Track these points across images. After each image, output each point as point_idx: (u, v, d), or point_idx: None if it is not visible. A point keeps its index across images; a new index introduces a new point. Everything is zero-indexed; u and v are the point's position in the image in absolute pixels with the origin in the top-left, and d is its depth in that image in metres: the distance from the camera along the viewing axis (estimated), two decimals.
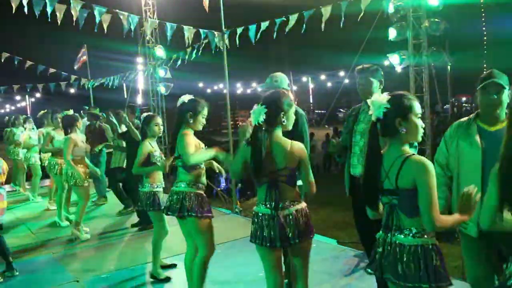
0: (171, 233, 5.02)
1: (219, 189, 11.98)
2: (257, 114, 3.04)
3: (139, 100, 18.93)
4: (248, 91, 30.50)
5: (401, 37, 8.02)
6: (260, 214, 3.08)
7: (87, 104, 15.06)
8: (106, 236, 6.88)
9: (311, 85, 38.16)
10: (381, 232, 2.52)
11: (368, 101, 2.51)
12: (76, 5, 7.12)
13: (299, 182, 3.15)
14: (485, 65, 21.31)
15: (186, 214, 3.79)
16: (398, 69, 8.53)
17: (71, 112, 7.25)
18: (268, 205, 3.04)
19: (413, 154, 2.39)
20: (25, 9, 6.79)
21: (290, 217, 3.00)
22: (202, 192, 3.94)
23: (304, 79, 34.73)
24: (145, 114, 5.15)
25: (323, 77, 26.68)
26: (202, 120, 3.97)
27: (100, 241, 6.66)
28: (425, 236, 2.35)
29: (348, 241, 6.18)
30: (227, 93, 8.67)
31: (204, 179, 4.00)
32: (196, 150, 3.84)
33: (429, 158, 8.27)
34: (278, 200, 3.01)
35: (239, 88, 30.28)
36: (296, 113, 4.21)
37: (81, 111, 11.58)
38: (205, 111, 3.98)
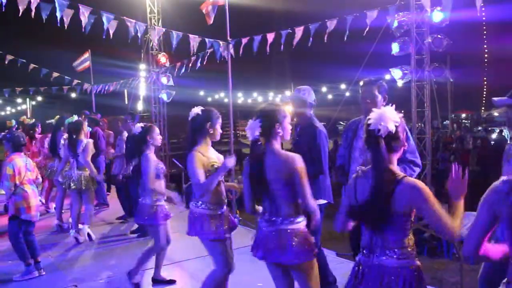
0: (172, 240, 5.00)
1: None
2: (253, 129, 3.02)
3: (140, 106, 18.94)
4: (249, 101, 30.55)
5: (404, 52, 8.11)
6: (260, 226, 3.06)
7: (89, 109, 15.09)
8: (105, 242, 6.87)
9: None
10: (361, 255, 2.46)
11: (373, 114, 2.41)
12: (84, 11, 7.18)
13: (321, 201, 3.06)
14: (485, 82, 21.39)
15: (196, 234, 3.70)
16: (400, 83, 8.59)
17: (75, 118, 7.27)
18: (264, 219, 3.02)
19: (405, 176, 2.35)
20: (32, 13, 6.84)
21: (282, 234, 2.93)
22: (214, 212, 3.72)
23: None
24: (140, 125, 5.02)
25: (324, 89, 26.73)
26: (219, 129, 3.84)
27: (99, 246, 6.65)
28: (409, 258, 2.34)
29: (346, 253, 6.18)
30: (230, 102, 8.69)
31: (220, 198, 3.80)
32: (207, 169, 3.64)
33: (429, 173, 8.28)
34: (273, 215, 2.98)
35: (240, 98, 30.34)
36: (313, 127, 4.22)
37: (82, 116, 11.57)
38: (220, 120, 3.87)
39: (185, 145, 4.04)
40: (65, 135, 7.08)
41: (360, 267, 2.44)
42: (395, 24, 7.99)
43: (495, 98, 2.89)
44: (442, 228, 2.25)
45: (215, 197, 3.69)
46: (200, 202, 3.67)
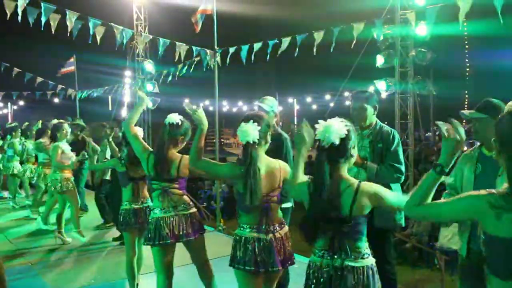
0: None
1: (202, 205, 11.92)
2: (250, 131, 2.92)
3: (124, 113, 18.85)
4: (234, 109, 30.61)
5: (389, 64, 8.24)
6: (249, 238, 2.95)
7: (72, 115, 14.96)
8: (86, 249, 6.78)
9: (296, 107, 38.53)
10: (319, 257, 2.48)
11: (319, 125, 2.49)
12: (71, 16, 7.15)
13: (287, 204, 3.12)
14: (466, 95, 21.79)
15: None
16: (384, 95, 8.70)
17: (55, 121, 7.25)
18: (258, 229, 2.95)
19: (360, 181, 2.44)
20: (19, 18, 6.79)
21: (278, 241, 2.97)
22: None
23: (290, 100, 35.03)
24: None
25: (309, 99, 26.95)
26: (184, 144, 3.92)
27: (80, 253, 6.55)
28: (370, 257, 2.45)
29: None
30: (216, 110, 8.70)
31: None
32: None
33: (411, 184, 8.37)
34: (270, 224, 2.97)
35: (225, 106, 30.37)
36: (281, 136, 4.24)
37: (64, 122, 11.47)
38: (189, 134, 3.90)
39: None
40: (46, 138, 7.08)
41: (322, 271, 2.47)
42: (380, 37, 8.12)
43: (463, 111, 2.94)
44: (398, 200, 2.41)
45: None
46: None
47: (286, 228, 3.07)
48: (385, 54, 8.22)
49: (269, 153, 3.20)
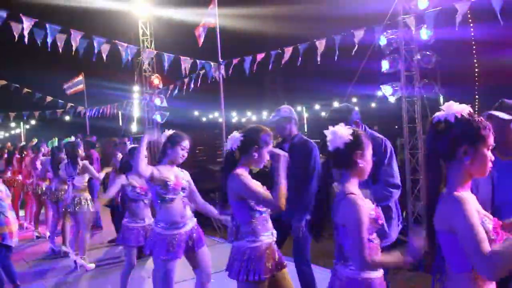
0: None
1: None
2: (232, 141, 3.05)
3: (134, 128, 19.01)
4: (243, 120, 30.69)
5: (394, 69, 8.22)
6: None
7: (83, 132, 15.12)
8: (100, 265, 6.82)
9: (305, 114, 38.54)
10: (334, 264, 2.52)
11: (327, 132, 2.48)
12: (76, 35, 7.27)
13: None
14: (477, 97, 21.63)
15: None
16: (392, 99, 8.67)
17: (72, 138, 7.35)
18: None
19: (349, 193, 2.36)
20: (26, 39, 6.92)
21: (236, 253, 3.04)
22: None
23: (299, 108, 35.06)
24: (133, 146, 5.09)
25: (317, 107, 26.96)
26: (181, 152, 3.94)
27: (94, 270, 6.59)
28: (367, 270, 2.35)
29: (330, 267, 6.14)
30: (223, 122, 8.77)
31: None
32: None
33: (423, 188, 8.27)
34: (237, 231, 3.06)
35: (235, 117, 30.47)
36: (307, 144, 4.27)
37: (76, 139, 11.59)
38: (184, 143, 3.95)
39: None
40: (64, 157, 7.14)
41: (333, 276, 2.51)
42: (384, 42, 8.12)
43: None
44: (353, 252, 2.29)
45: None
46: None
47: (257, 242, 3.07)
48: (390, 59, 8.22)
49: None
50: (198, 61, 9.09)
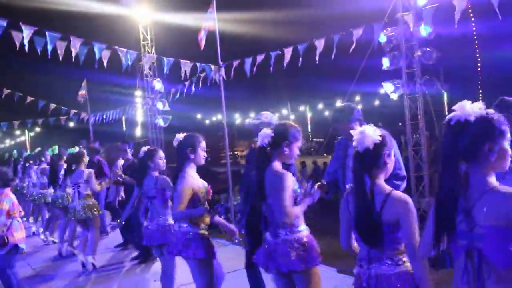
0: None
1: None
2: (263, 137, 3.14)
3: (138, 132, 19.07)
4: (247, 121, 30.76)
5: (395, 66, 8.20)
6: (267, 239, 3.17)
7: (86, 137, 15.18)
8: (106, 270, 6.86)
9: (308, 114, 38.52)
10: (359, 267, 2.51)
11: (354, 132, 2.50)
12: (75, 42, 7.31)
13: None
14: (480, 93, 21.57)
15: (187, 255, 3.77)
16: (394, 97, 8.65)
17: (76, 149, 7.44)
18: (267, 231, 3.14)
19: (392, 190, 2.42)
20: (26, 47, 6.96)
21: (280, 245, 3.05)
22: (205, 232, 3.90)
23: (302, 108, 35.11)
24: (145, 148, 5.12)
25: (320, 105, 27.02)
26: (202, 153, 4.00)
27: (100, 274, 6.63)
28: (407, 263, 2.38)
29: (348, 270, 6.15)
30: (224, 124, 8.79)
31: (207, 219, 3.96)
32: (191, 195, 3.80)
33: (427, 185, 8.25)
34: (270, 226, 3.11)
35: (238, 119, 30.51)
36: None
37: (80, 146, 11.65)
38: (203, 144, 4.01)
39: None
40: (65, 166, 7.24)
41: (361, 280, 2.47)
42: (384, 39, 8.11)
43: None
44: (410, 246, 2.31)
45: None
46: None
47: (295, 235, 3.13)
48: (390, 56, 8.20)
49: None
50: (198, 64, 9.12)
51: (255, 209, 3.30)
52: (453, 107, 2.00)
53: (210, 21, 8.27)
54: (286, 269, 3.03)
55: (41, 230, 9.63)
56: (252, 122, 4.43)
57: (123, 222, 5.93)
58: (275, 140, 3.14)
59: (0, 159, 15.77)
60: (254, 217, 3.63)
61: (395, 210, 2.35)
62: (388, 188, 2.44)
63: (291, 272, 3.06)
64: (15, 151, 13.41)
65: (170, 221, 4.69)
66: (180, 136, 4.00)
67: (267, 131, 3.17)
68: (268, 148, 3.16)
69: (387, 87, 8.36)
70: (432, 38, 7.77)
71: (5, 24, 6.53)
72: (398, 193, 2.40)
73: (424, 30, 7.51)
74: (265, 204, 3.17)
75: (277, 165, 3.16)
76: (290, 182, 3.08)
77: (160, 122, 12.13)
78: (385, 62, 8.20)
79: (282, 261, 3.03)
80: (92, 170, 6.96)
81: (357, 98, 23.00)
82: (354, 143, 2.47)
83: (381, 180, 2.47)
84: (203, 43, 8.64)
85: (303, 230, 3.13)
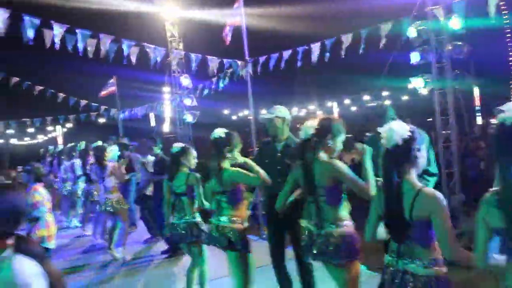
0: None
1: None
2: (308, 128, 3.20)
3: (166, 128, 19.27)
4: (261, 115, 30.70)
5: (424, 60, 8.05)
6: (310, 230, 3.19)
7: (116, 133, 15.42)
8: (136, 262, 6.99)
9: (336, 110, 38.25)
10: (389, 257, 2.51)
11: (382, 129, 2.51)
12: (105, 40, 7.44)
13: None
14: (511, 86, 20.99)
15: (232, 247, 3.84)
16: (424, 92, 8.50)
17: (99, 143, 7.60)
18: (312, 222, 3.15)
19: (423, 186, 2.40)
20: (58, 45, 7.12)
21: (330, 238, 3.06)
22: (243, 226, 3.95)
23: (329, 104, 34.82)
24: (179, 145, 5.12)
25: (347, 101, 26.77)
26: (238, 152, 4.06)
27: (130, 267, 6.76)
28: (436, 267, 2.34)
29: (377, 266, 6.09)
30: (252, 120, 8.80)
31: (245, 213, 4.02)
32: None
33: (458, 181, 8.07)
34: (319, 219, 3.11)
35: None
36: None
37: (109, 141, 11.86)
38: (239, 145, 4.08)
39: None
40: (91, 160, 7.42)
41: (388, 270, 2.49)
42: (413, 33, 7.96)
43: None
44: (444, 245, 2.30)
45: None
46: None
47: (343, 229, 3.14)
48: (420, 50, 8.05)
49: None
50: (225, 60, 9.17)
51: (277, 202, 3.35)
52: (501, 107, 2.02)
53: (236, 17, 8.29)
54: (335, 261, 3.07)
55: (73, 223, 9.90)
56: (265, 116, 4.43)
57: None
58: (319, 133, 3.18)
59: (35, 155, 16.20)
60: (274, 210, 3.68)
61: (425, 207, 2.33)
62: (419, 184, 2.42)
63: (336, 264, 3.09)
64: (50, 147, 13.76)
65: (198, 218, 4.75)
66: (221, 132, 4.04)
67: (311, 123, 3.20)
68: (312, 140, 3.20)
69: (417, 82, 8.21)
70: (462, 32, 7.60)
71: (38, 23, 6.70)
72: (429, 190, 2.38)
73: (455, 24, 7.35)
74: (314, 196, 3.17)
75: (324, 156, 3.17)
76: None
77: (188, 118, 12.22)
78: (415, 57, 8.06)
79: (329, 253, 3.06)
80: (116, 164, 7.08)
81: (385, 93, 22.63)
82: (383, 141, 2.47)
83: (412, 176, 2.45)
84: (228, 39, 8.67)
85: (349, 224, 3.15)
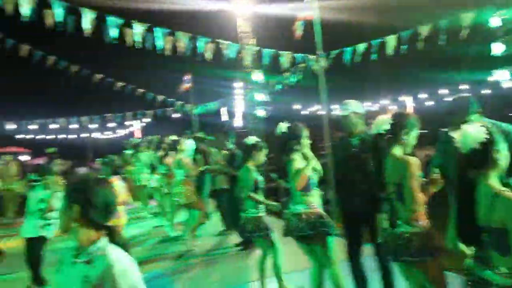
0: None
1: None
2: (381, 123, 3.16)
3: (238, 123, 19.56)
4: (335, 112, 30.20)
5: (510, 51, 7.61)
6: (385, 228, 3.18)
7: (190, 128, 15.88)
8: (210, 255, 7.13)
9: (412, 104, 36.83)
10: (471, 261, 2.37)
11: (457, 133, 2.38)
12: (183, 37, 7.71)
13: None
14: None
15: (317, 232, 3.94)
16: (506, 85, 8.05)
17: (174, 137, 7.87)
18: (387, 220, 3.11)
19: (503, 190, 2.19)
20: (137, 44, 7.49)
21: (404, 236, 2.99)
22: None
23: (403, 98, 33.66)
24: (254, 138, 5.14)
25: (423, 95, 25.75)
26: (307, 143, 4.15)
27: (203, 258, 6.91)
28: None
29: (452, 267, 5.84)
30: (325, 115, 8.66)
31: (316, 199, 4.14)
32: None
33: None
34: (392, 216, 3.06)
35: (336, 110, 30.04)
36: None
37: (183, 135, 12.23)
38: (307, 136, 4.14)
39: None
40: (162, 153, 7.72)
41: (469, 274, 2.36)
42: (497, 23, 7.53)
43: None
44: None
45: None
46: None
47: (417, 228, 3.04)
48: (504, 40, 7.60)
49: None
50: (297, 55, 9.15)
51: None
52: None
53: (307, 11, 8.22)
54: (414, 258, 2.99)
55: (149, 214, 10.33)
56: (341, 113, 4.40)
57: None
58: (394, 128, 3.13)
59: (115, 148, 17.06)
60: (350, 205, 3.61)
61: (501, 214, 2.14)
62: (498, 188, 2.22)
63: (414, 261, 3.01)
64: (132, 139, 14.43)
65: (261, 213, 4.83)
66: (284, 126, 4.15)
67: (385, 119, 3.16)
68: (386, 136, 3.16)
69: (501, 75, 7.78)
70: None
71: (121, 23, 7.07)
72: (508, 194, 2.17)
73: None
74: (387, 192, 3.14)
75: (398, 151, 3.12)
76: (417, 169, 3.01)
77: (260, 112, 12.34)
78: (498, 48, 7.63)
79: (407, 251, 2.99)
80: (188, 158, 7.27)
81: (465, 86, 21.44)
82: (458, 144, 2.33)
83: (491, 179, 2.26)
84: (299, 33, 8.64)
85: (423, 222, 3.04)
